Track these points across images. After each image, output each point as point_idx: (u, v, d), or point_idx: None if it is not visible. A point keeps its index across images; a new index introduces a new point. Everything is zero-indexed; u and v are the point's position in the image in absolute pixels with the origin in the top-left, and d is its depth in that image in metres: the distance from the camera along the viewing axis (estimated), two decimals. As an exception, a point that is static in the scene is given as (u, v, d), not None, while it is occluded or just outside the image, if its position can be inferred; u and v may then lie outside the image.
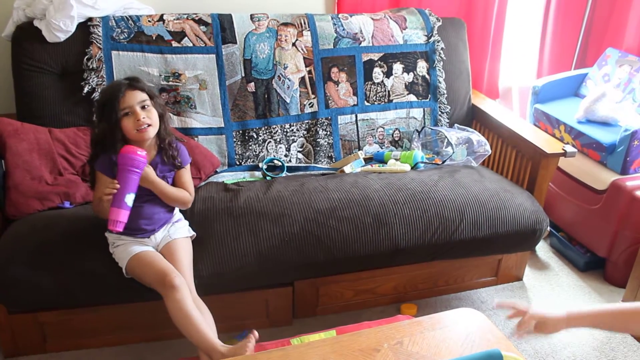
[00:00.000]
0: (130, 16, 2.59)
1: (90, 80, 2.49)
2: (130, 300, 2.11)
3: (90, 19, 2.53)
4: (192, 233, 2.12)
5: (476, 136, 2.70)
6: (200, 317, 1.84)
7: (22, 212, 2.20)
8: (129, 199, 1.85)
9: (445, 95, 2.93)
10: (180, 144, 2.11)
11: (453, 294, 2.63)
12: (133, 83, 1.92)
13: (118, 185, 1.82)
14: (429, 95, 2.92)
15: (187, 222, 2.15)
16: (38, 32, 2.45)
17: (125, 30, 2.55)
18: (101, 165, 1.96)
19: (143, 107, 1.92)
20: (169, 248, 2.01)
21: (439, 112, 2.93)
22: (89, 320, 2.19)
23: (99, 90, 2.43)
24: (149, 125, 1.92)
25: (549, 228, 2.82)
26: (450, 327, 1.63)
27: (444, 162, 2.66)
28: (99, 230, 2.07)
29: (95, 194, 1.97)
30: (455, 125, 2.90)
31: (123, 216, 1.83)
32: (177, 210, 2.16)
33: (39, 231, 2.09)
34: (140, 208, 1.98)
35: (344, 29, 2.79)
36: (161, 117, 1.98)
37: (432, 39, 2.91)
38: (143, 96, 1.92)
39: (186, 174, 2.12)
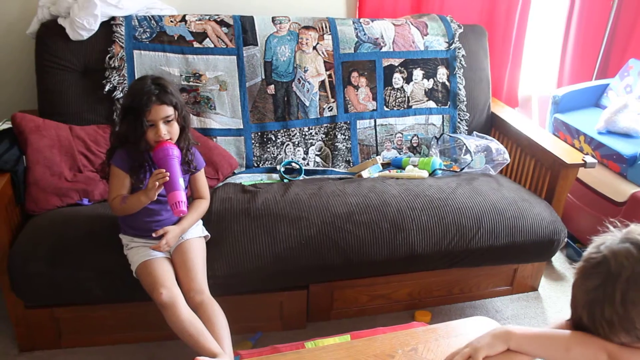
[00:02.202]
0: (152, 16, 2.61)
1: (112, 79, 2.51)
2: (145, 299, 2.11)
3: (113, 18, 2.56)
4: (206, 233, 2.13)
5: (495, 144, 2.69)
6: (198, 328, 1.84)
7: (41, 207, 2.22)
8: (181, 181, 1.89)
9: (465, 103, 2.92)
10: (194, 147, 2.12)
11: (468, 302, 2.61)
12: (161, 96, 1.91)
13: (168, 173, 1.84)
14: (449, 102, 2.91)
15: (200, 222, 2.15)
16: (62, 30, 2.48)
17: (148, 30, 2.57)
18: (119, 161, 1.97)
19: (167, 122, 1.94)
20: (181, 249, 2.02)
21: (458, 119, 2.92)
22: (103, 318, 2.20)
23: (127, 89, 2.44)
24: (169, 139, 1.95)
25: (566, 239, 2.79)
26: (465, 335, 1.61)
27: (462, 169, 2.64)
28: (116, 228, 2.08)
29: (112, 192, 1.98)
30: (474, 132, 2.89)
31: (183, 196, 1.86)
32: None
33: (58, 227, 2.11)
34: (152, 211, 2.00)
35: (365, 34, 2.79)
36: (182, 129, 2.00)
37: (453, 45, 2.90)
38: (169, 111, 1.93)
39: (201, 177, 2.14)
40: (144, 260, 1.96)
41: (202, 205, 2.12)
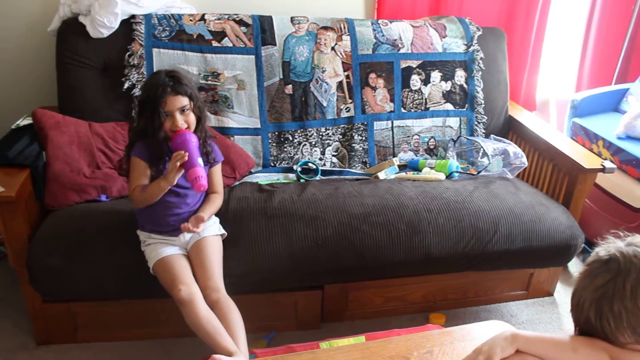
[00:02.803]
0: (172, 15, 2.62)
1: (131, 77, 2.52)
2: (161, 296, 2.12)
3: (133, 16, 2.57)
4: (223, 231, 2.13)
5: (513, 148, 2.68)
6: (214, 325, 1.85)
7: (60, 203, 2.24)
8: (200, 161, 1.91)
9: (483, 105, 2.91)
10: (212, 141, 2.15)
11: (482, 305, 2.60)
12: (176, 87, 1.95)
13: (186, 153, 1.87)
14: (466, 105, 2.90)
15: (217, 220, 2.16)
16: (82, 28, 2.50)
17: (167, 28, 2.58)
18: (139, 152, 2.01)
19: (183, 112, 1.98)
20: (198, 246, 2.02)
21: (476, 122, 2.91)
22: (119, 314, 2.22)
23: (142, 84, 2.47)
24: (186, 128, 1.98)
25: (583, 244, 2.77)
26: (481, 339, 1.60)
27: (479, 172, 2.63)
28: (134, 225, 2.10)
29: (132, 183, 1.99)
30: (492, 136, 2.88)
31: (202, 171, 1.88)
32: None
33: (76, 223, 2.12)
34: (171, 204, 2.02)
35: (383, 35, 2.79)
36: (199, 119, 2.04)
37: (472, 48, 2.89)
38: (184, 101, 1.97)
39: (218, 172, 2.16)
40: (161, 257, 1.97)
41: (217, 200, 2.13)
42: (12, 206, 1.99)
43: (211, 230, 2.09)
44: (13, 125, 2.42)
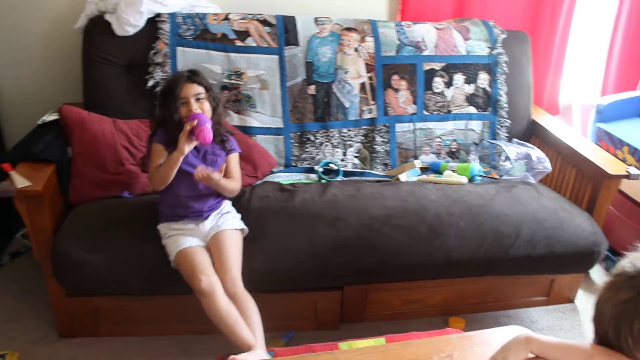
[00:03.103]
0: (197, 14, 2.64)
1: (155, 75, 2.55)
2: (181, 293, 2.14)
3: (158, 15, 2.59)
4: (244, 226, 2.14)
5: (536, 152, 2.66)
6: (234, 317, 1.88)
7: (84, 198, 2.27)
8: (209, 125, 2.03)
9: (506, 109, 2.89)
10: (230, 135, 2.25)
11: (502, 310, 2.58)
12: (192, 76, 2.11)
13: (196, 120, 2.01)
14: (489, 108, 2.88)
15: (238, 215, 2.17)
16: (108, 26, 2.53)
17: (192, 27, 2.60)
18: (159, 137, 2.12)
19: (197, 99, 2.10)
20: (217, 239, 2.05)
21: (498, 126, 2.89)
22: (140, 309, 2.24)
23: (168, 80, 2.48)
24: None
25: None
26: (500, 344, 1.60)
27: (501, 176, 2.62)
28: (156, 221, 2.12)
29: (151, 164, 2.10)
30: (514, 139, 2.86)
31: (209, 129, 2.02)
32: (227, 202, 2.20)
33: (99, 218, 2.15)
34: (188, 187, 2.09)
35: (406, 37, 2.78)
36: (214, 108, 2.15)
37: (495, 51, 2.87)
38: (199, 89, 2.11)
39: (234, 159, 2.23)
40: (182, 248, 2.00)
41: (233, 182, 2.17)
42: (38, 200, 2.02)
43: (231, 223, 2.12)
44: (39, 120, 2.46)
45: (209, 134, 2.00)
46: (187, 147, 2.02)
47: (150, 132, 2.20)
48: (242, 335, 1.85)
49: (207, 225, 2.10)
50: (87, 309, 2.21)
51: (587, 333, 2.47)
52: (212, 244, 2.05)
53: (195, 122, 2.00)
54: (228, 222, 2.12)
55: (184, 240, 2.03)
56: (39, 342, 2.24)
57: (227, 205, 2.20)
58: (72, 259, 2.02)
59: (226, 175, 2.15)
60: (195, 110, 2.07)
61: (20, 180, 2.01)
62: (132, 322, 2.27)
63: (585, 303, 2.66)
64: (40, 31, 2.76)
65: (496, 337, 1.62)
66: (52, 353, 2.20)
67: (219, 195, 2.17)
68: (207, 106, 2.12)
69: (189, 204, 2.09)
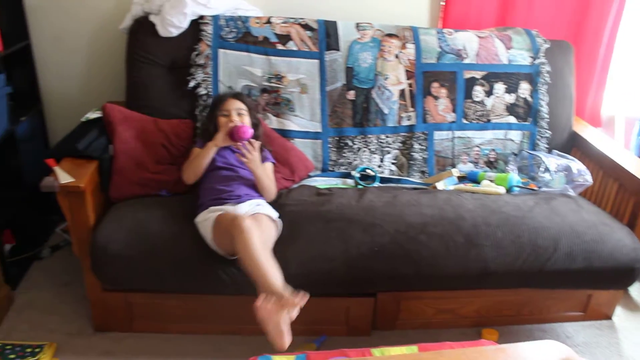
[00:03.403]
0: (239, 16, 2.67)
1: (197, 76, 2.58)
2: (216, 292, 2.17)
3: (201, 17, 2.63)
4: (278, 219, 2.18)
5: (576, 164, 2.61)
6: (267, 258, 1.91)
7: (123, 195, 2.31)
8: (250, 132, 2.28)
9: (547, 120, 2.85)
10: (267, 150, 2.43)
11: (537, 324, 2.54)
12: (236, 94, 2.45)
13: (237, 122, 2.32)
14: (529, 118, 2.85)
15: (274, 211, 2.21)
16: (153, 27, 2.58)
17: (234, 30, 2.63)
18: (199, 143, 2.40)
19: (239, 114, 2.36)
20: (254, 218, 2.07)
21: (538, 137, 2.85)
22: (174, 307, 2.27)
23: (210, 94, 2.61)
24: None
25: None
26: (536, 358, 1.58)
27: (540, 188, 2.58)
28: (193, 219, 2.15)
29: (187, 161, 2.35)
30: (554, 151, 2.82)
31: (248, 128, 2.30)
32: (263, 199, 2.26)
33: (138, 215, 2.18)
34: (226, 178, 2.26)
35: (448, 45, 2.76)
36: (255, 125, 2.41)
37: (538, 60, 2.83)
38: (241, 105, 2.40)
39: (268, 166, 2.39)
40: (220, 213, 2.07)
41: (269, 181, 2.31)
42: (80, 196, 2.07)
43: (267, 210, 2.17)
44: (83, 118, 2.51)
45: (248, 130, 2.26)
46: (222, 142, 2.30)
47: (194, 137, 2.49)
48: (272, 279, 1.86)
49: (244, 208, 2.15)
50: (122, 304, 2.24)
51: (625, 351, 2.41)
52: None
53: (236, 124, 2.28)
54: (264, 209, 2.18)
55: (219, 211, 2.10)
56: (76, 335, 2.29)
57: (263, 201, 2.25)
58: (110, 254, 2.06)
59: None
60: (236, 121, 2.32)
61: (63, 176, 2.06)
62: (166, 320, 2.29)
63: (624, 321, 2.60)
64: (86, 32, 2.84)
65: (531, 351, 1.60)
66: (87, 346, 2.24)
67: (256, 192, 2.25)
68: (247, 121, 2.37)
69: (226, 191, 2.20)
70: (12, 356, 2.10)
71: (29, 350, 2.13)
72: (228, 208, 2.13)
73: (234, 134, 2.27)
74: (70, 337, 2.27)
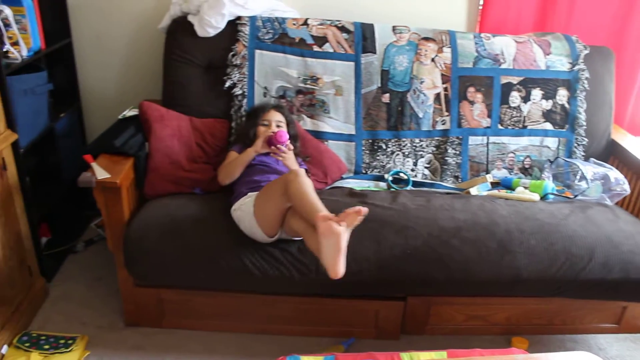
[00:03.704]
0: (276, 18, 2.68)
1: (233, 76, 2.60)
2: (247, 290, 2.18)
3: (239, 18, 2.65)
4: None
5: (614, 173, 2.56)
6: (316, 195, 1.97)
7: (158, 193, 2.34)
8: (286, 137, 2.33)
9: (584, 127, 2.80)
10: (301, 159, 2.50)
11: (568, 334, 2.50)
12: (277, 107, 2.53)
13: (275, 130, 2.37)
14: (566, 125, 2.80)
15: None
16: (190, 27, 2.60)
17: (271, 31, 2.64)
18: (236, 148, 2.42)
19: (278, 126, 2.43)
20: None
21: (575, 144, 2.81)
22: (205, 304, 2.29)
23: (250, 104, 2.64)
24: None
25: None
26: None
27: (575, 196, 2.54)
28: (226, 217, 2.17)
29: (224, 163, 2.38)
30: (591, 159, 2.77)
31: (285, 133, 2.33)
32: None
33: (171, 213, 2.20)
34: (262, 171, 2.30)
35: (485, 49, 2.74)
36: (293, 137, 2.46)
37: (577, 67, 2.79)
38: (281, 118, 2.48)
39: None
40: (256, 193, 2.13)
41: None
42: (116, 192, 2.10)
43: None
44: (120, 115, 2.55)
45: (284, 134, 2.30)
46: (262, 148, 2.32)
47: (231, 137, 2.57)
48: (325, 209, 1.90)
49: None
50: (153, 300, 2.27)
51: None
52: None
53: (274, 132, 2.33)
54: None
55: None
56: (107, 329, 2.32)
57: None
58: (143, 250, 2.09)
59: None
60: (274, 131, 2.37)
61: (100, 172, 2.09)
62: (196, 317, 2.31)
63: (659, 334, 2.54)
64: (125, 31, 2.89)
65: (563, 362, 1.57)
66: (118, 340, 2.27)
67: None
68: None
69: (263, 181, 2.24)
70: (47, 347, 2.14)
71: (62, 341, 2.17)
72: None
73: (271, 139, 2.31)
74: (101, 330, 2.31)
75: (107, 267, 2.62)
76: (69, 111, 2.80)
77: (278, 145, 2.30)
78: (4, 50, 2.19)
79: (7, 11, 2.18)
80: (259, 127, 2.42)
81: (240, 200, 2.17)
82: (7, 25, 2.19)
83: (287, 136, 2.34)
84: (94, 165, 2.14)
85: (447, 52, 2.72)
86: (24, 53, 2.30)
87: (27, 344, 2.14)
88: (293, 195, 1.96)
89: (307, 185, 1.98)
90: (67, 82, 2.87)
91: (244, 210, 2.10)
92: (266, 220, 2.04)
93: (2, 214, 2.11)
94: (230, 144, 2.52)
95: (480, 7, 2.97)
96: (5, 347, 2.11)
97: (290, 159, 2.34)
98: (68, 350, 2.14)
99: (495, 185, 2.70)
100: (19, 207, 2.23)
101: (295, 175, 1.98)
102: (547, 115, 2.79)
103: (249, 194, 2.18)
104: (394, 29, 2.72)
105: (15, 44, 2.25)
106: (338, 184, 2.58)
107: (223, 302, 2.27)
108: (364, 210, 1.81)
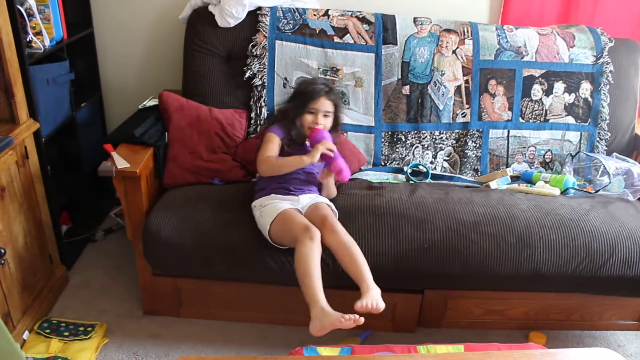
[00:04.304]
0: (297, 8, 2.67)
1: (253, 66, 2.60)
2: (264, 281, 2.18)
3: (259, 8, 2.64)
4: (336, 210, 2.18)
5: (638, 168, 2.52)
6: (317, 273, 1.91)
7: (177, 182, 2.35)
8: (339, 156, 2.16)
9: (607, 122, 2.76)
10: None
11: (587, 330, 2.47)
12: (330, 94, 2.33)
13: (334, 147, 2.14)
14: (589, 120, 2.76)
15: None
16: (211, 17, 2.60)
17: (291, 21, 2.64)
18: (277, 130, 2.29)
19: (325, 116, 2.30)
20: (314, 206, 2.14)
21: (598, 138, 2.77)
22: (222, 294, 2.30)
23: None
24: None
25: None
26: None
27: (597, 191, 2.50)
28: (244, 208, 2.18)
29: (265, 151, 2.23)
30: (614, 154, 2.73)
31: (344, 163, 2.14)
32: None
33: (190, 202, 2.21)
34: (299, 177, 2.23)
35: (507, 41, 2.71)
36: (334, 127, 2.36)
37: (601, 60, 2.75)
38: (330, 108, 2.32)
39: None
40: (282, 210, 2.07)
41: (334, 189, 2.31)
42: (135, 182, 2.11)
43: (326, 201, 2.20)
44: (140, 105, 2.57)
45: (347, 174, 2.12)
46: (317, 158, 2.11)
47: (273, 116, 2.49)
48: (318, 291, 1.88)
49: (304, 200, 2.17)
50: (171, 289, 2.29)
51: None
52: (309, 211, 2.13)
53: (333, 151, 2.12)
54: (324, 200, 2.20)
55: (283, 204, 2.11)
56: (125, 317, 2.35)
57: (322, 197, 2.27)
58: (161, 239, 2.09)
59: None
60: (319, 126, 2.26)
61: (120, 161, 2.10)
62: (213, 306, 2.33)
63: (680, 332, 2.51)
64: (146, 21, 2.89)
65: (582, 358, 1.56)
66: (136, 328, 2.29)
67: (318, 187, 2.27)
68: (329, 123, 2.32)
69: (293, 181, 2.20)
70: (66, 333, 2.17)
71: (81, 328, 2.20)
72: (292, 198, 2.16)
73: (312, 138, 2.21)
74: (120, 318, 2.33)
75: (126, 255, 2.65)
76: (89, 101, 2.82)
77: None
78: (27, 40, 2.21)
79: (31, 1, 2.20)
80: (305, 116, 2.28)
81: (262, 199, 2.16)
82: (30, 15, 2.21)
83: (327, 135, 2.21)
84: (114, 154, 2.15)
85: (468, 44, 2.69)
86: (47, 43, 2.32)
87: (47, 331, 2.17)
88: (297, 260, 1.95)
89: (312, 260, 1.92)
90: (88, 72, 2.89)
91: (262, 216, 2.10)
92: (278, 241, 2.07)
93: (24, 202, 2.13)
94: (269, 124, 2.43)
95: (503, -1, 2.94)
96: (26, 333, 2.15)
97: (330, 186, 2.26)
98: (87, 337, 2.16)
99: (515, 179, 2.67)
100: (40, 196, 2.26)
101: (311, 240, 1.94)
102: (569, 109, 2.75)
103: (272, 195, 2.16)
104: (415, 20, 2.70)
105: (38, 33, 2.27)
106: (356, 175, 2.57)
107: (241, 292, 2.28)
108: (353, 324, 1.82)
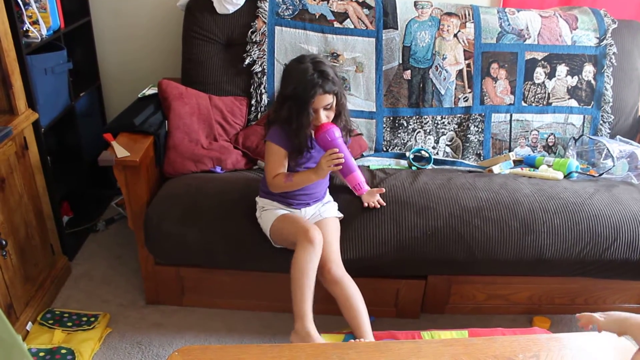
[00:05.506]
0: (296, -6, 2.65)
1: (252, 53, 2.57)
2: (266, 269, 2.18)
3: (258, -6, 2.62)
4: (341, 215, 2.14)
5: (641, 151, 2.51)
6: (311, 285, 1.85)
7: (177, 171, 2.33)
8: (353, 160, 1.97)
9: (611, 104, 2.74)
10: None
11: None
12: (325, 86, 1.92)
13: (342, 155, 1.90)
14: (592, 102, 2.74)
15: (336, 204, 2.17)
16: (209, 4, 2.58)
17: (291, 7, 2.61)
18: (277, 138, 2.00)
19: (325, 108, 1.97)
20: (319, 224, 2.04)
21: (601, 121, 2.75)
22: (225, 283, 2.29)
23: (286, 73, 2.14)
24: None
25: None
26: (591, 350, 1.53)
27: (600, 174, 2.49)
28: (246, 197, 2.16)
29: (272, 170, 2.01)
30: (618, 137, 2.71)
31: (360, 176, 1.95)
32: (327, 193, 2.21)
33: (191, 191, 2.20)
34: (305, 192, 2.08)
35: (509, 24, 2.68)
36: (339, 113, 2.02)
37: (604, 42, 2.72)
38: (330, 99, 1.96)
39: None
40: (283, 213, 2.03)
41: None
42: (136, 171, 2.10)
43: (331, 212, 2.13)
44: (139, 94, 2.55)
45: (365, 187, 1.96)
46: (326, 174, 1.97)
47: (268, 121, 2.09)
48: (307, 305, 1.84)
49: (309, 212, 2.11)
50: (173, 278, 2.28)
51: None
52: None
53: (342, 161, 1.90)
54: (328, 210, 2.13)
55: (284, 210, 2.06)
56: (128, 306, 2.34)
57: (327, 195, 2.21)
58: (163, 229, 2.09)
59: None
60: (323, 122, 1.97)
61: (120, 150, 2.09)
62: (215, 295, 2.32)
63: (684, 315, 2.50)
64: (144, 8, 2.86)
65: (587, 341, 1.56)
66: (139, 317, 2.29)
67: (325, 190, 2.20)
68: (332, 112, 2.01)
69: (299, 196, 2.08)
70: (70, 324, 2.17)
71: (84, 319, 2.20)
72: (294, 211, 2.09)
73: (318, 139, 1.99)
74: (122, 308, 2.33)
75: (128, 245, 2.64)
76: (88, 90, 2.80)
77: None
78: (24, 29, 2.19)
79: (26, -11, 2.18)
80: (303, 119, 1.94)
81: (263, 201, 2.11)
82: (26, 4, 2.19)
83: (332, 134, 1.95)
84: (114, 143, 2.14)
85: (470, 28, 2.66)
86: (44, 32, 2.30)
87: (50, 321, 2.17)
88: (293, 266, 1.88)
89: (308, 271, 1.86)
90: (86, 61, 2.86)
91: (261, 219, 2.08)
92: (280, 243, 2.04)
93: (24, 193, 2.12)
94: (267, 125, 2.07)
95: (505, -19, 2.91)
96: (30, 324, 2.14)
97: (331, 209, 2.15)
98: (90, 327, 2.16)
99: (518, 163, 2.66)
100: (40, 186, 2.25)
101: (307, 244, 1.87)
102: (572, 92, 2.73)
103: (274, 204, 2.09)
104: (415, 4, 2.67)
105: (34, 23, 2.24)
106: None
107: (243, 280, 2.27)
108: None
